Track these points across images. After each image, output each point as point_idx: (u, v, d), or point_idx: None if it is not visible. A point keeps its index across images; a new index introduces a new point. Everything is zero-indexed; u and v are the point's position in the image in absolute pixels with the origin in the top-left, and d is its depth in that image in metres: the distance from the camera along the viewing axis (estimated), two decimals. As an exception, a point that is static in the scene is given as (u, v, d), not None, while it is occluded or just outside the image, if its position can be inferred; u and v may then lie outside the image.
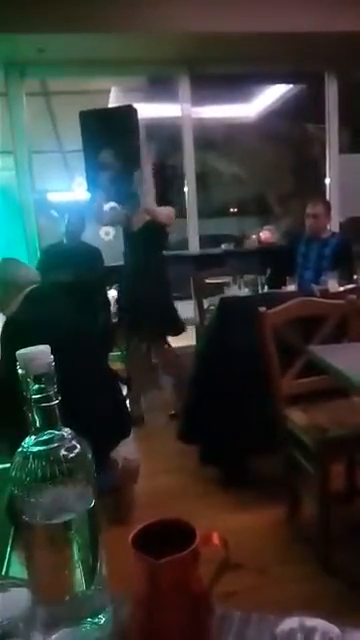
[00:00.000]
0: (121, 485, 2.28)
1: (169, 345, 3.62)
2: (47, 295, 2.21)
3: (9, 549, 1.72)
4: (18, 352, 0.58)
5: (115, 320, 3.84)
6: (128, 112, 3.42)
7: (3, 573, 1.08)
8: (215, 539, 0.61)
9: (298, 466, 2.05)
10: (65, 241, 3.96)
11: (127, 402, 2.62)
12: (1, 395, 1.35)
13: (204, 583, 0.59)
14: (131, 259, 3.51)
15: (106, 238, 5.13)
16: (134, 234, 3.46)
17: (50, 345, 0.60)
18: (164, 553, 0.56)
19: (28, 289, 2.15)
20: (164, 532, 0.61)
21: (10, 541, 1.71)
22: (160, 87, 5.04)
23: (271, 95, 5.62)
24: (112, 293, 4.49)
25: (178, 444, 2.70)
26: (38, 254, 4.28)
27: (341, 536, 1.94)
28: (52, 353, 0.59)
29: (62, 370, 0.62)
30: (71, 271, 3.63)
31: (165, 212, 3.48)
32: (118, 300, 3.73)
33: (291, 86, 5.44)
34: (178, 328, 3.54)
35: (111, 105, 5.11)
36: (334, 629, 0.54)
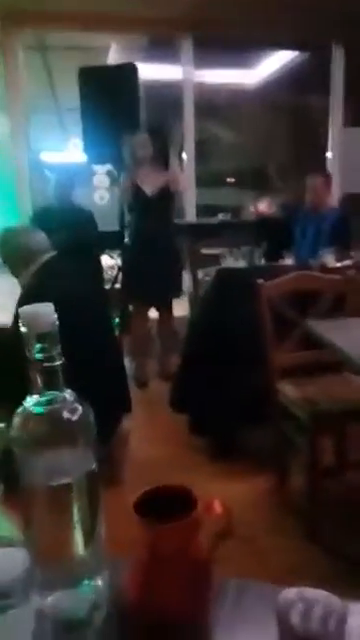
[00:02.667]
0: (112, 455, 2.29)
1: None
2: (61, 265, 2.19)
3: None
4: (21, 309, 0.55)
5: (110, 285, 3.80)
6: (129, 71, 3.31)
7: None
8: (217, 506, 0.60)
9: (288, 439, 2.07)
10: (55, 204, 3.87)
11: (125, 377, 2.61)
12: (6, 356, 1.34)
13: (204, 549, 0.59)
14: (142, 224, 3.49)
15: (100, 202, 5.03)
16: (148, 199, 3.43)
17: (66, 316, 0.57)
18: (162, 519, 0.55)
19: (43, 259, 2.14)
20: (161, 499, 0.60)
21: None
22: (161, 48, 4.87)
23: (275, 62, 5.46)
24: (105, 259, 4.44)
25: (172, 411, 2.71)
26: (30, 215, 4.19)
27: (328, 508, 1.97)
28: (67, 325, 0.57)
29: (76, 341, 0.60)
30: (63, 235, 3.56)
31: (184, 179, 3.51)
32: (123, 264, 3.68)
33: (296, 54, 5.28)
34: (180, 290, 3.68)
35: (110, 63, 4.94)
36: (336, 601, 0.53)
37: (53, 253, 2.20)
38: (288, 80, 5.60)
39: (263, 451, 2.31)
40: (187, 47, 4.48)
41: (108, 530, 0.64)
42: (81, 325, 1.78)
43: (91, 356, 1.86)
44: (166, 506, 0.58)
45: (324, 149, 4.98)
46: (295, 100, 6.02)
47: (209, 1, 3.88)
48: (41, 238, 2.25)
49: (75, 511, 0.57)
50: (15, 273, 2.22)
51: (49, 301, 0.58)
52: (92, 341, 1.98)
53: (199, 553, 0.58)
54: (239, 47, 5.02)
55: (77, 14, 4.09)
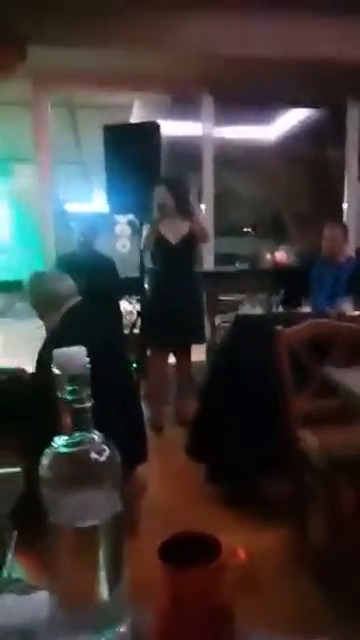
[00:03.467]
0: (129, 498, 2.26)
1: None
2: (85, 310, 2.24)
3: (10, 554, 1.70)
4: (55, 351, 0.58)
5: (128, 330, 3.85)
6: (151, 128, 3.48)
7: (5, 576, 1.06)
8: (240, 553, 0.60)
9: (307, 488, 2.02)
10: (78, 251, 3.99)
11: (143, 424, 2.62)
12: (36, 398, 1.36)
13: (227, 597, 0.58)
14: (164, 271, 3.59)
15: (122, 250, 5.17)
16: (172, 246, 3.54)
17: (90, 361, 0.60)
18: (185, 565, 0.55)
19: (70, 303, 2.19)
20: (181, 545, 0.60)
21: (13, 545, 1.70)
22: (183, 105, 5.11)
23: (292, 118, 5.68)
24: (123, 305, 4.51)
25: (187, 459, 2.67)
26: (54, 262, 4.31)
27: (348, 562, 1.90)
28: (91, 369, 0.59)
29: (97, 386, 0.62)
30: (84, 281, 3.65)
31: (207, 229, 3.65)
32: (142, 309, 3.75)
33: (313, 110, 5.50)
34: (204, 336, 3.75)
35: (133, 120, 5.19)
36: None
37: (79, 298, 2.26)
38: (305, 135, 5.80)
39: (282, 501, 2.25)
40: (207, 104, 4.70)
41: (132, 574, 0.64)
42: (103, 370, 1.80)
43: (111, 401, 1.87)
44: (188, 553, 0.58)
45: (340, 201, 5.08)
46: (312, 154, 6.21)
47: (228, 61, 4.09)
48: (68, 283, 2.31)
49: (101, 554, 0.58)
50: (42, 316, 2.27)
51: (74, 344, 0.61)
52: (110, 386, 1.99)
53: (222, 600, 0.57)
54: (257, 104, 5.25)
55: (103, 74, 4.34)
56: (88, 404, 0.58)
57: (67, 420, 0.58)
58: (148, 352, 3.77)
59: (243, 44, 3.95)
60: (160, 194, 3.51)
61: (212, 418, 2.62)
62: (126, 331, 3.95)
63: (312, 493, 1.99)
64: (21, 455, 1.86)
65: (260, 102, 5.15)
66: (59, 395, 0.58)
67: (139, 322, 3.75)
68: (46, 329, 2.20)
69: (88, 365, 0.59)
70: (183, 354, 3.73)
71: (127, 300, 4.53)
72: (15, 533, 2.01)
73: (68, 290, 2.25)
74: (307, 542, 2.11)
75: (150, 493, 2.43)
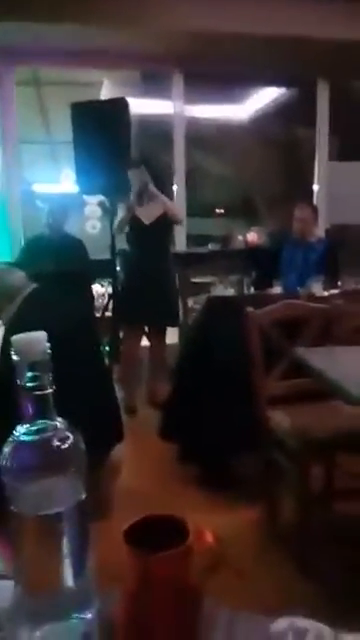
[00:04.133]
0: (102, 482, 2.26)
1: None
2: (44, 296, 2.18)
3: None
4: (13, 338, 0.56)
5: (100, 313, 3.81)
6: (120, 105, 3.39)
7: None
8: (208, 536, 0.60)
9: (278, 467, 2.06)
10: (47, 233, 3.90)
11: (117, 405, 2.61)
12: None
13: (195, 579, 0.58)
14: (139, 252, 3.58)
15: (92, 231, 5.09)
16: (145, 228, 3.53)
17: (52, 347, 0.58)
18: (153, 549, 0.55)
19: (25, 292, 2.13)
20: (151, 528, 0.60)
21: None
22: (153, 83, 5.02)
23: (264, 97, 5.64)
24: (95, 287, 4.46)
25: (161, 441, 2.69)
26: (22, 245, 4.22)
27: (318, 538, 1.95)
28: (54, 355, 0.58)
29: (61, 372, 0.60)
30: (53, 263, 3.58)
31: (178, 209, 3.63)
32: (115, 291, 3.71)
33: (284, 89, 5.46)
34: (178, 319, 3.77)
35: (102, 97, 5.07)
36: (327, 630, 0.53)
37: (34, 286, 2.19)
38: (276, 114, 5.77)
39: (253, 480, 2.29)
40: (178, 82, 4.62)
41: (97, 561, 0.63)
42: (68, 354, 1.77)
43: (79, 385, 1.85)
44: (155, 536, 0.58)
45: (311, 181, 5.10)
46: (283, 134, 6.20)
47: (200, 38, 4.02)
48: (18, 274, 2.25)
49: (65, 542, 0.57)
50: None
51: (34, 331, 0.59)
52: (80, 370, 1.97)
53: (190, 583, 0.57)
54: (229, 83, 5.19)
55: (70, 50, 4.22)
56: (49, 390, 0.57)
57: (28, 408, 0.57)
58: (121, 334, 3.75)
59: (214, 21, 3.88)
60: (142, 175, 3.49)
61: (184, 399, 2.63)
62: (98, 314, 3.91)
63: (283, 472, 2.02)
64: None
65: (231, 81, 5.10)
66: (19, 382, 0.56)
67: (111, 305, 3.72)
68: (3, 322, 2.14)
69: (49, 351, 0.57)
70: (157, 335, 3.73)
71: (99, 282, 4.49)
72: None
73: (19, 281, 2.19)
74: (279, 520, 2.16)
75: (124, 475, 2.44)
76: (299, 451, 1.90)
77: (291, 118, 5.86)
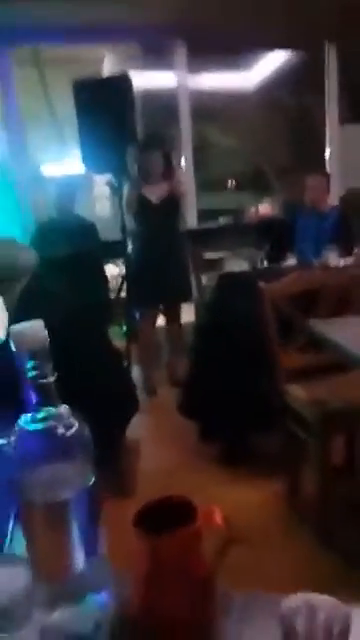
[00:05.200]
0: (121, 462, 2.28)
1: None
2: (47, 281, 2.12)
3: (11, 526, 1.72)
4: (12, 328, 0.56)
5: (115, 295, 3.81)
6: (123, 80, 3.32)
7: (5, 550, 1.08)
8: (217, 516, 0.60)
9: (298, 441, 2.06)
10: (57, 216, 3.88)
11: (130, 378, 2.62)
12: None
13: (206, 561, 0.58)
14: (148, 231, 3.56)
15: (102, 212, 5.05)
16: (154, 206, 3.51)
17: (57, 331, 0.57)
18: (166, 531, 0.55)
19: (25, 282, 2.04)
20: (165, 510, 0.60)
21: (12, 518, 1.71)
22: (155, 55, 4.89)
23: (270, 64, 5.46)
24: (109, 268, 4.44)
25: (181, 418, 2.70)
26: (33, 229, 4.21)
27: (341, 511, 1.95)
28: (58, 339, 0.57)
29: (66, 355, 0.60)
30: (66, 246, 3.57)
31: (181, 183, 3.62)
32: (127, 272, 3.70)
33: (290, 55, 5.28)
34: (191, 293, 3.78)
35: (105, 72, 4.97)
36: (341, 607, 0.53)
37: (37, 269, 2.12)
38: (284, 81, 5.60)
39: (274, 455, 2.29)
40: (180, 53, 4.50)
41: (118, 543, 0.63)
42: (73, 336, 1.76)
43: (89, 363, 1.84)
44: (168, 517, 0.58)
45: (322, 148, 4.96)
46: (292, 101, 6.02)
47: (200, 5, 3.90)
48: (27, 253, 2.16)
49: (74, 527, 0.57)
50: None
51: (40, 314, 0.58)
52: (92, 351, 1.96)
53: (200, 564, 0.57)
54: (233, 50, 5.04)
55: (69, 27, 4.12)
56: (51, 379, 0.57)
57: (31, 396, 0.56)
58: (137, 315, 3.75)
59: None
60: (155, 158, 3.47)
61: (202, 376, 2.63)
62: (113, 295, 3.91)
63: (304, 446, 2.02)
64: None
65: (236, 47, 4.94)
66: (20, 372, 0.56)
67: (125, 286, 3.71)
68: (7, 308, 2.08)
69: (47, 338, 0.57)
70: (173, 313, 3.72)
71: (113, 263, 4.47)
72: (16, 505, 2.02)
73: (26, 261, 2.11)
74: (301, 494, 2.16)
75: (145, 454, 2.47)
76: (317, 423, 1.89)
77: (300, 84, 5.68)
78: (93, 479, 0.59)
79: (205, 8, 3.95)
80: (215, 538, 0.59)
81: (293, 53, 5.25)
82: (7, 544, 0.85)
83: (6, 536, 0.86)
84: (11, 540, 0.86)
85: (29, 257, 2.14)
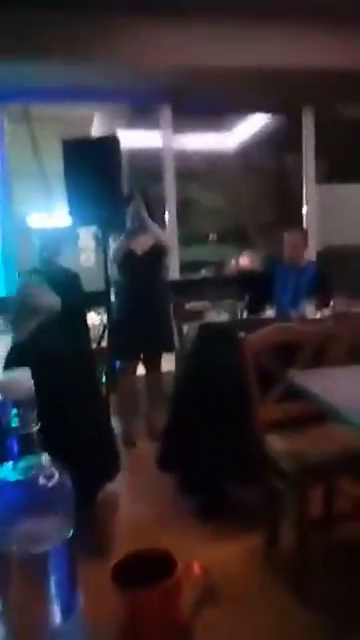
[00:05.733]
0: (99, 518, 2.23)
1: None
2: (52, 327, 2.18)
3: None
4: (-2, 377, 0.57)
5: (96, 344, 3.81)
6: (111, 142, 3.47)
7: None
8: (196, 569, 0.60)
9: (277, 493, 2.04)
10: (41, 266, 3.93)
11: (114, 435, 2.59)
12: None
13: (185, 614, 0.58)
14: (132, 282, 3.62)
15: (86, 263, 5.13)
16: (139, 258, 3.59)
17: (51, 377, 0.59)
18: (145, 585, 0.55)
19: (42, 318, 2.13)
20: (144, 563, 0.60)
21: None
22: (142, 115, 5.14)
23: (251, 126, 5.78)
24: (91, 317, 4.46)
25: (160, 472, 2.66)
26: (16, 279, 4.24)
27: (319, 564, 1.92)
28: (52, 385, 0.59)
29: (64, 404, 0.61)
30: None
31: (167, 237, 3.72)
32: (110, 322, 3.73)
33: (270, 118, 5.60)
34: (173, 345, 3.78)
35: (94, 131, 5.18)
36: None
37: (49, 315, 2.20)
38: (264, 142, 5.90)
39: (253, 508, 2.26)
40: (166, 114, 4.74)
41: (95, 598, 0.63)
42: (70, 388, 1.78)
43: (79, 419, 1.85)
44: (145, 572, 0.58)
45: (301, 206, 5.19)
46: (271, 161, 6.33)
47: (185, 72, 4.12)
48: (49, 298, 2.24)
49: (52, 581, 0.57)
50: (14, 329, 2.19)
51: (32, 358, 0.60)
52: (80, 404, 1.97)
53: (180, 617, 0.57)
54: (215, 113, 5.33)
55: (59, 87, 4.32)
56: (34, 429, 0.58)
57: (13, 446, 0.57)
58: (117, 365, 3.74)
59: (199, 55, 4.00)
60: (136, 204, 3.58)
61: (181, 428, 2.62)
62: (94, 344, 3.91)
63: (282, 498, 2.00)
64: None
65: (218, 110, 5.23)
66: (3, 421, 0.57)
67: (106, 335, 3.72)
68: (15, 343, 2.12)
69: (33, 388, 0.58)
70: (153, 363, 3.73)
71: (95, 312, 4.50)
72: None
73: (46, 306, 2.19)
74: (279, 547, 2.12)
75: (122, 508, 2.41)
76: (295, 475, 1.89)
77: (279, 145, 5.99)
78: (72, 532, 0.59)
79: (189, 76, 4.20)
80: (194, 589, 0.59)
81: (272, 116, 5.57)
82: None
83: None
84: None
85: (50, 301, 2.19)
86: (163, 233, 3.77)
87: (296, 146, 5.20)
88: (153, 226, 3.67)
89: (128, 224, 3.58)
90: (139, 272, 3.60)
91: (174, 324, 3.99)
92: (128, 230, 3.60)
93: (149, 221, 3.64)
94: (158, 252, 3.65)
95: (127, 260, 3.61)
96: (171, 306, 3.90)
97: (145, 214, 3.63)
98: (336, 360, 2.16)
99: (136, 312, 3.55)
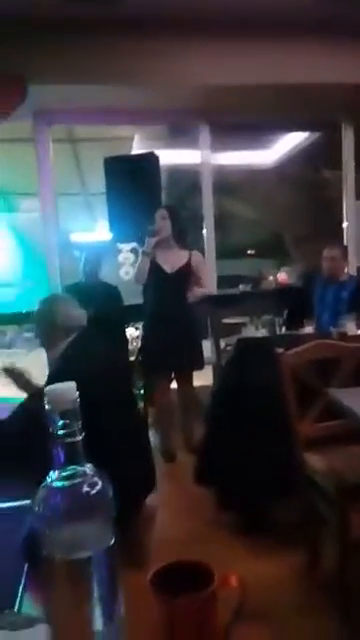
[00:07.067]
0: (138, 529, 2.24)
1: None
2: (89, 341, 2.16)
3: (22, 587, 1.69)
4: (46, 388, 0.61)
5: (134, 358, 3.87)
6: (150, 159, 3.56)
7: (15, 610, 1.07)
8: (233, 581, 0.61)
9: (318, 513, 2.00)
10: (84, 280, 4.05)
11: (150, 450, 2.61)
12: (29, 430, 1.36)
13: (221, 625, 0.59)
14: (159, 300, 3.55)
15: (126, 277, 5.24)
16: (168, 276, 3.53)
17: (94, 394, 0.62)
18: (182, 595, 0.56)
19: (75, 334, 2.10)
20: (182, 574, 0.61)
21: (23, 579, 1.69)
22: (180, 135, 5.23)
23: (289, 142, 5.78)
24: (130, 331, 4.54)
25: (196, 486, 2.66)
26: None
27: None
28: (91, 401, 0.61)
29: (102, 418, 0.64)
30: (90, 310, 3.68)
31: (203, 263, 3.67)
32: (143, 338, 3.75)
33: (308, 134, 5.59)
34: (203, 362, 3.69)
35: (134, 151, 5.31)
36: None
37: (83, 329, 2.19)
38: (302, 158, 5.89)
39: (292, 525, 2.22)
40: (204, 133, 4.80)
41: (132, 610, 0.64)
42: (108, 402, 1.80)
43: (118, 434, 1.86)
44: (185, 581, 0.60)
45: (339, 221, 5.13)
46: (309, 176, 6.30)
47: (223, 90, 4.18)
48: (77, 311, 2.22)
49: (95, 586, 0.59)
50: (47, 346, 2.18)
51: (78, 379, 0.63)
52: (119, 416, 1.99)
53: (215, 628, 0.58)
54: (254, 131, 5.36)
55: (101, 109, 4.46)
56: (79, 438, 0.61)
57: (59, 454, 0.60)
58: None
59: (237, 73, 4.05)
60: (163, 221, 3.47)
61: (219, 443, 2.61)
62: (132, 358, 3.97)
63: (323, 518, 1.97)
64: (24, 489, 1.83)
65: (256, 128, 5.26)
66: (51, 430, 0.60)
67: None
68: (51, 362, 2.15)
69: (78, 399, 0.61)
70: (184, 380, 3.70)
71: (133, 326, 4.57)
72: (26, 566, 1.97)
73: (75, 321, 2.17)
74: (321, 567, 2.08)
75: (161, 523, 2.41)
76: (335, 495, 1.85)
77: (316, 160, 5.96)
78: (114, 539, 0.61)
79: (227, 94, 4.26)
80: (230, 601, 0.59)
81: (311, 133, 5.56)
82: (17, 603, 0.85)
83: (17, 596, 0.87)
84: (21, 600, 0.86)
85: (78, 315, 2.19)
86: (197, 253, 3.68)
87: (334, 161, 5.16)
88: (184, 244, 3.59)
89: (151, 234, 3.45)
90: (166, 290, 3.52)
91: (211, 338, 4.00)
92: (151, 244, 3.46)
93: (186, 237, 3.61)
94: (189, 272, 3.55)
95: (154, 277, 3.53)
96: (202, 322, 3.88)
97: (171, 230, 3.50)
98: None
99: (164, 332, 3.49)
